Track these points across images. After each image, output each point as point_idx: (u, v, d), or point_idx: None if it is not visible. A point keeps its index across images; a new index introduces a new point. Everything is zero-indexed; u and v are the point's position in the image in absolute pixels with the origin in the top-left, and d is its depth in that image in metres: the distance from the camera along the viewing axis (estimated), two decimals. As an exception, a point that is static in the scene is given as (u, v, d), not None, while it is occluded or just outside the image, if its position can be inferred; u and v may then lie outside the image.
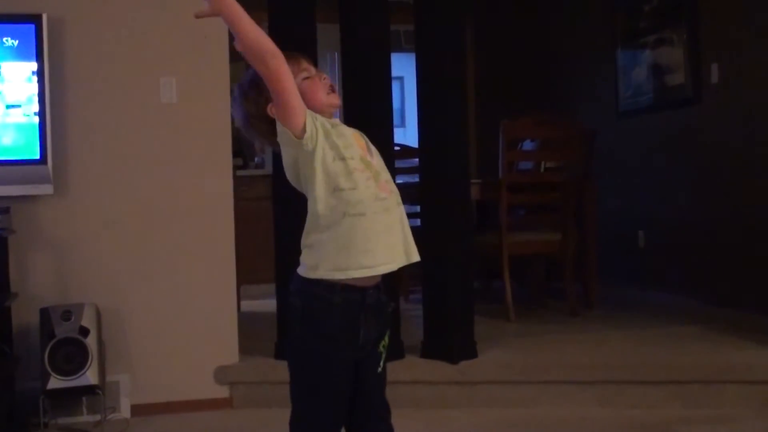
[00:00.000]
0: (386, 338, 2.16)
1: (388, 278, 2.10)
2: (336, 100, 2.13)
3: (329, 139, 2.02)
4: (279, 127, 2.02)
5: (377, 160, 2.11)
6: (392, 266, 2.06)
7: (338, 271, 2.01)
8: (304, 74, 2.10)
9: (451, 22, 3.97)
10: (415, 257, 2.09)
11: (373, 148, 2.13)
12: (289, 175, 2.09)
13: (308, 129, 1.99)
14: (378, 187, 2.06)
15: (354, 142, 2.08)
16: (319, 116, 2.04)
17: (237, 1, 1.93)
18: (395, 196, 2.09)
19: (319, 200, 2.01)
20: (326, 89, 2.11)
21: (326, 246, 2.02)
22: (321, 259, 2.02)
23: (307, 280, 2.04)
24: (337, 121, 2.12)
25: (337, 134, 2.05)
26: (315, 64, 2.18)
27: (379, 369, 2.16)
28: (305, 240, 2.07)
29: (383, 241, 2.05)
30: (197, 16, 2.00)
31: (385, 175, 2.10)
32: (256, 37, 1.93)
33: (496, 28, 7.26)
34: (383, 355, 2.16)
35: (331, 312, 2.03)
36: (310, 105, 2.04)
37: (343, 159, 2.02)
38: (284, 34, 3.49)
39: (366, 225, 2.02)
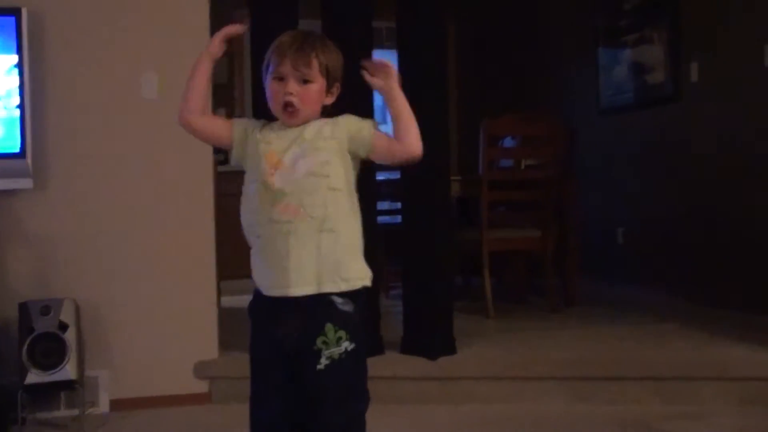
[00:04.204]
0: None
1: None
2: (287, 119, 2.15)
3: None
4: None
5: None
6: None
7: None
8: (276, 75, 2.14)
9: (433, 19, 3.97)
10: None
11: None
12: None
13: None
14: None
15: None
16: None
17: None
18: None
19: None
20: (280, 104, 2.13)
21: None
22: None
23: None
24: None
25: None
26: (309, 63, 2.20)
27: None
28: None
29: None
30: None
31: None
32: None
33: (477, 26, 7.28)
34: None
35: None
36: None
37: None
38: (266, 29, 3.47)
39: None
